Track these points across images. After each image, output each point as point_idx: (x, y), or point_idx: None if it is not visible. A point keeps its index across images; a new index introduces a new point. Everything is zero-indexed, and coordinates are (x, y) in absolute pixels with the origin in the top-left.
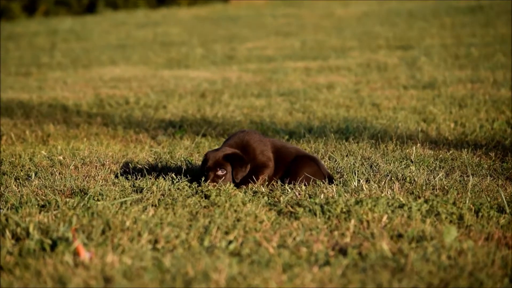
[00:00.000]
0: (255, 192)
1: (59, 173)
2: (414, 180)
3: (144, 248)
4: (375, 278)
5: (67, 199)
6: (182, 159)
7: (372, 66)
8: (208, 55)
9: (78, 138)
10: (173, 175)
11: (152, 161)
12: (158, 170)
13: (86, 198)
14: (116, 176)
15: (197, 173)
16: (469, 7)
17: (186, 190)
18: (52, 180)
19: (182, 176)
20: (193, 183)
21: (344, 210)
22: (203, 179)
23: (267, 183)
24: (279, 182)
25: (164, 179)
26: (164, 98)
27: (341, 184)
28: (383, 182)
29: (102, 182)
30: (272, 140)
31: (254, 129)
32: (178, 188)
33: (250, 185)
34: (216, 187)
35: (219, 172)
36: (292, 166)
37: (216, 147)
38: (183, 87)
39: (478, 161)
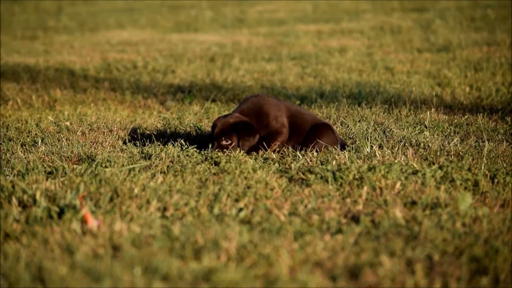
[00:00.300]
0: (265, 159)
1: (66, 139)
2: (428, 146)
3: (153, 216)
4: (388, 246)
5: (74, 166)
6: (192, 125)
7: (386, 29)
8: (218, 18)
9: (85, 103)
10: (182, 141)
11: (161, 127)
12: (167, 136)
13: (93, 165)
14: (124, 143)
15: (206, 139)
16: None
17: (196, 157)
18: (59, 146)
19: (191, 142)
20: (203, 149)
21: (356, 177)
22: (209, 146)
23: (278, 149)
24: (290, 149)
25: (173, 145)
26: (173, 62)
27: (354, 150)
28: (396, 148)
29: (109, 148)
30: (287, 105)
31: (267, 93)
32: (187, 155)
33: (261, 151)
34: (226, 154)
35: (224, 142)
36: (310, 135)
37: (226, 112)
38: (192, 51)
39: (494, 126)
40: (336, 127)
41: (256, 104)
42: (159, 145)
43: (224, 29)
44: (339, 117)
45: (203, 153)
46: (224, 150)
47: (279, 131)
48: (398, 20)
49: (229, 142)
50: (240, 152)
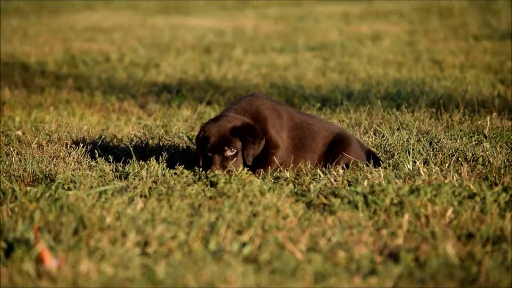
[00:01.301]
0: (276, 178)
1: (18, 154)
2: (489, 161)
3: (130, 253)
4: None
5: (28, 188)
6: (181, 134)
7: (432, 10)
8: None
9: (42, 107)
10: (168, 156)
11: (141, 137)
12: (148, 149)
13: (53, 187)
14: (93, 158)
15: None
16: None
17: (186, 176)
18: (7, 163)
19: (180, 157)
20: (195, 166)
21: (395, 201)
22: (201, 163)
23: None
24: (309, 165)
25: (157, 161)
26: (157, 54)
27: (391, 167)
28: (446, 165)
29: (74, 165)
30: (289, 111)
31: (265, 94)
32: (175, 173)
33: (269, 168)
34: (228, 171)
35: (228, 153)
36: (331, 149)
37: None
38: (182, 39)
39: None
40: (368, 137)
41: (251, 104)
42: (138, 161)
43: (223, 10)
44: (371, 124)
45: (196, 171)
46: (227, 164)
47: (276, 144)
48: None
49: (234, 151)
50: (241, 167)
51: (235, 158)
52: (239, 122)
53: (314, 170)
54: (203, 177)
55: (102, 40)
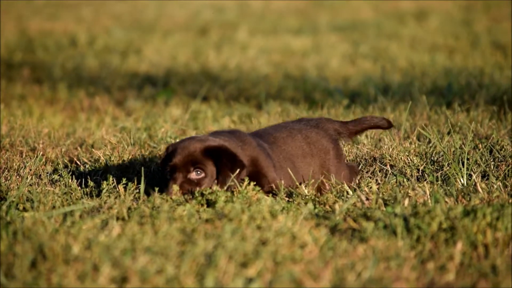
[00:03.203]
0: (290, 195)
1: None
2: None
3: None
4: None
5: None
6: (169, 139)
7: None
8: None
9: None
10: (153, 167)
11: (118, 143)
12: (127, 159)
13: (4, 207)
14: (56, 170)
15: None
16: None
17: (176, 193)
18: None
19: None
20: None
21: (444, 226)
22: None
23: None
24: (333, 178)
25: (138, 174)
26: (138, 36)
27: (439, 182)
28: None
29: (31, 179)
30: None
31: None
32: (162, 191)
33: (283, 184)
34: (190, 195)
35: (193, 175)
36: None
37: (225, 116)
38: (170, 17)
39: None
40: (410, 142)
41: (234, 133)
42: (113, 174)
43: None
44: (414, 126)
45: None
46: (189, 189)
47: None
48: None
49: (201, 175)
50: (249, 186)
51: (201, 184)
52: (217, 144)
53: (340, 186)
54: (197, 195)
55: (67, 18)
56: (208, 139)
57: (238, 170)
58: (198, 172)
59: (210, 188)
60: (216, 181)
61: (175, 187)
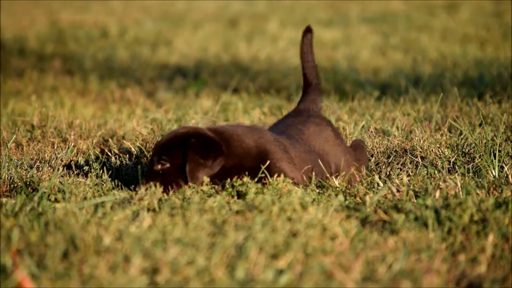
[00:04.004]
0: (321, 187)
1: None
2: None
3: (135, 283)
4: None
5: (4, 200)
6: None
7: None
8: None
9: (21, 96)
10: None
11: (149, 135)
12: None
13: (36, 198)
14: (88, 161)
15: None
16: None
17: (206, 185)
18: None
19: None
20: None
21: (475, 218)
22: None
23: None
24: (364, 170)
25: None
26: (168, 28)
27: (471, 174)
28: None
29: (63, 170)
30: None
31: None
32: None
33: (313, 176)
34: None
35: (158, 166)
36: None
37: (256, 108)
38: (200, 9)
39: None
40: (441, 134)
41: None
42: (145, 165)
43: None
44: (445, 119)
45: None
46: (156, 181)
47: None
48: None
49: (166, 165)
50: (280, 177)
51: (167, 175)
52: (187, 129)
53: (370, 178)
54: (228, 186)
55: (98, 10)
56: (183, 127)
57: (211, 157)
58: (162, 163)
59: (183, 182)
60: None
61: (141, 181)
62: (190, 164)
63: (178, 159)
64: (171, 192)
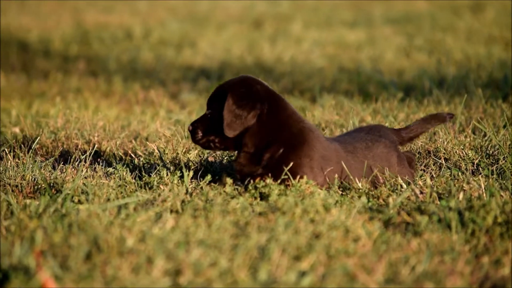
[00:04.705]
0: (345, 189)
1: (14, 157)
2: None
3: (158, 284)
4: None
5: (27, 201)
6: None
7: None
8: None
9: (46, 97)
10: (207, 159)
11: (172, 136)
12: (181, 151)
13: (59, 200)
14: (111, 163)
15: None
16: None
17: (229, 186)
18: (1, 169)
19: (221, 161)
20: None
21: (499, 220)
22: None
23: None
24: (388, 173)
25: (192, 168)
26: (193, 29)
27: (495, 176)
28: None
29: (86, 172)
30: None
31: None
32: (215, 182)
33: (336, 178)
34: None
35: (207, 112)
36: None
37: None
38: (225, 9)
39: None
40: (465, 136)
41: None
42: (168, 167)
43: None
44: (470, 120)
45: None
46: (198, 127)
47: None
48: None
49: (212, 114)
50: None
51: (211, 122)
52: (240, 79)
53: (393, 179)
54: (251, 188)
55: (122, 11)
56: (240, 76)
57: (246, 109)
58: (210, 111)
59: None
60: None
61: (188, 126)
62: (227, 115)
63: (220, 107)
64: (211, 138)
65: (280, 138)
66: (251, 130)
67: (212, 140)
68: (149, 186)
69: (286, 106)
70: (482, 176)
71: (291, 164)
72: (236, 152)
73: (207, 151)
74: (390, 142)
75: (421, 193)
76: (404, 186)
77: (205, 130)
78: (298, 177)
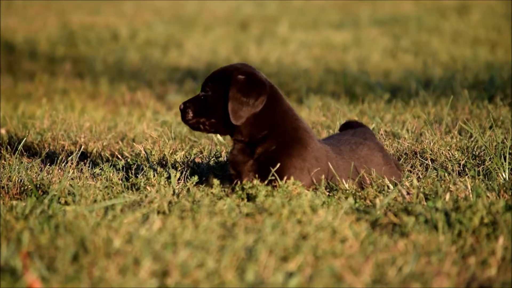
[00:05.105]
0: (331, 190)
1: (0, 158)
2: None
3: (145, 285)
4: None
5: (14, 203)
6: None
7: None
8: None
9: (32, 98)
10: (194, 160)
11: (159, 137)
12: (168, 153)
13: (46, 201)
14: (98, 164)
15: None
16: None
17: (216, 188)
18: None
19: (209, 164)
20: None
21: (486, 220)
22: None
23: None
24: (374, 173)
25: (178, 169)
26: (179, 30)
27: (481, 177)
28: None
29: (73, 173)
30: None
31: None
32: (202, 183)
33: (323, 178)
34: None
35: (201, 94)
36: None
37: None
38: (211, 11)
39: None
40: (451, 137)
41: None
42: (155, 168)
43: None
44: (456, 121)
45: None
46: (191, 107)
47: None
48: None
49: (208, 93)
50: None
51: (207, 104)
52: (239, 66)
53: (380, 180)
54: (238, 189)
55: (109, 12)
56: (236, 63)
57: (254, 96)
58: (206, 90)
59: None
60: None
61: (180, 105)
62: (233, 103)
63: (220, 91)
64: (202, 120)
65: (275, 133)
66: (248, 119)
67: (202, 122)
68: (136, 187)
69: (283, 101)
70: (468, 177)
71: (282, 163)
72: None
73: (194, 152)
74: (374, 144)
75: (408, 194)
76: (391, 187)
77: (196, 111)
78: (287, 177)
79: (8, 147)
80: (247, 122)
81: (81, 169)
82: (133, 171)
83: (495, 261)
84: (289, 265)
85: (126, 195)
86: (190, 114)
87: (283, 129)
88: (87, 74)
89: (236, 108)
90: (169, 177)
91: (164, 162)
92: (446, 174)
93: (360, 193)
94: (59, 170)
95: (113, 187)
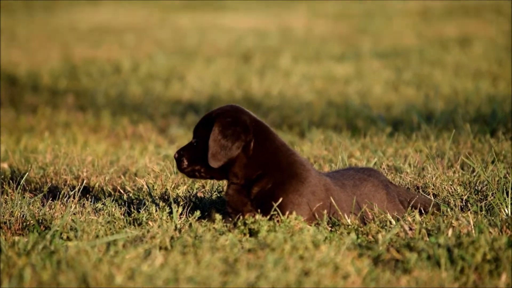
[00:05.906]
0: (333, 225)
1: (2, 193)
2: None
3: None
4: None
5: (16, 238)
6: None
7: None
8: None
9: (34, 132)
10: (196, 195)
11: (161, 171)
12: (170, 187)
13: (48, 236)
14: (100, 199)
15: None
16: None
17: (218, 223)
18: None
19: (211, 199)
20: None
21: (488, 257)
22: None
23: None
24: (377, 208)
25: (181, 204)
26: (181, 62)
27: (484, 212)
28: None
29: (75, 208)
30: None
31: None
32: (204, 218)
33: (325, 213)
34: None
35: (193, 140)
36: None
37: None
38: (213, 43)
39: None
40: (454, 171)
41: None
42: (157, 203)
43: (267, 6)
44: (458, 156)
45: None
46: (184, 155)
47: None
48: None
49: (198, 142)
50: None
51: (196, 151)
52: (225, 108)
53: (383, 215)
54: (240, 224)
55: (111, 44)
56: (226, 106)
57: (230, 140)
58: (197, 136)
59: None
60: None
61: (174, 154)
62: (211, 146)
63: (205, 136)
64: (197, 168)
65: (270, 171)
66: (240, 161)
67: (197, 169)
68: (138, 222)
69: (275, 138)
70: (471, 212)
71: (279, 200)
72: (225, 181)
73: (196, 186)
74: (378, 181)
75: (410, 229)
76: (393, 222)
77: (191, 158)
78: (287, 213)
79: (11, 181)
80: (241, 164)
81: (83, 204)
82: (135, 206)
83: None
84: None
85: (128, 230)
86: (185, 163)
87: (277, 166)
88: (89, 107)
89: (214, 152)
90: (171, 212)
91: (166, 197)
92: (448, 209)
93: (362, 229)
94: (61, 205)
95: (115, 222)
